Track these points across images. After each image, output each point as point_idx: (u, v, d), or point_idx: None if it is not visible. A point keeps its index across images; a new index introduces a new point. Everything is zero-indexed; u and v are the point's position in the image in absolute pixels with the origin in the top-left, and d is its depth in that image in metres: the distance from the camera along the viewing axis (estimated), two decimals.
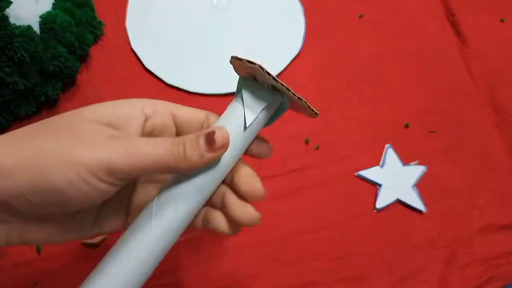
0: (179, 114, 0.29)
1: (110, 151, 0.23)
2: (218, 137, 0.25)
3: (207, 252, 0.43)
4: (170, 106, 0.29)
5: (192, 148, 0.25)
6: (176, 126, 0.29)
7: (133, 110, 0.27)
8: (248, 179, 0.28)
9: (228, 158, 0.27)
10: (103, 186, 0.23)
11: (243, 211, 0.27)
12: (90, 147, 0.23)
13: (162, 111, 0.28)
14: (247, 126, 0.27)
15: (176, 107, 0.29)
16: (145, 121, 0.27)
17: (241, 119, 0.27)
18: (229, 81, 0.52)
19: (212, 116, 0.29)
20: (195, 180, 0.26)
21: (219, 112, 0.29)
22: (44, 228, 0.26)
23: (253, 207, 0.28)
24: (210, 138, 0.25)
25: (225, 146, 0.25)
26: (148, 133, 0.28)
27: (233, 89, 0.51)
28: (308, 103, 0.27)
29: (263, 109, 0.27)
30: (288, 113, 0.54)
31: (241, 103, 0.27)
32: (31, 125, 0.25)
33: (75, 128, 0.24)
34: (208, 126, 0.29)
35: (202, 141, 0.25)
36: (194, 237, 0.44)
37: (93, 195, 0.24)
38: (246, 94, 0.27)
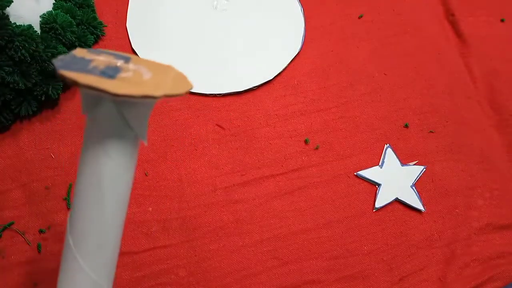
0: None
1: None
2: None
3: (207, 252, 0.44)
4: None
5: None
6: None
7: None
8: None
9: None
10: None
11: None
12: None
13: None
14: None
15: None
16: None
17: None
18: (229, 81, 0.52)
19: None
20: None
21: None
22: None
23: None
24: None
25: None
26: None
27: (233, 89, 0.51)
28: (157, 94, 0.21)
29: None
30: (288, 113, 0.54)
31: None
32: None
33: None
34: None
35: None
36: (193, 238, 0.44)
37: None
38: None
